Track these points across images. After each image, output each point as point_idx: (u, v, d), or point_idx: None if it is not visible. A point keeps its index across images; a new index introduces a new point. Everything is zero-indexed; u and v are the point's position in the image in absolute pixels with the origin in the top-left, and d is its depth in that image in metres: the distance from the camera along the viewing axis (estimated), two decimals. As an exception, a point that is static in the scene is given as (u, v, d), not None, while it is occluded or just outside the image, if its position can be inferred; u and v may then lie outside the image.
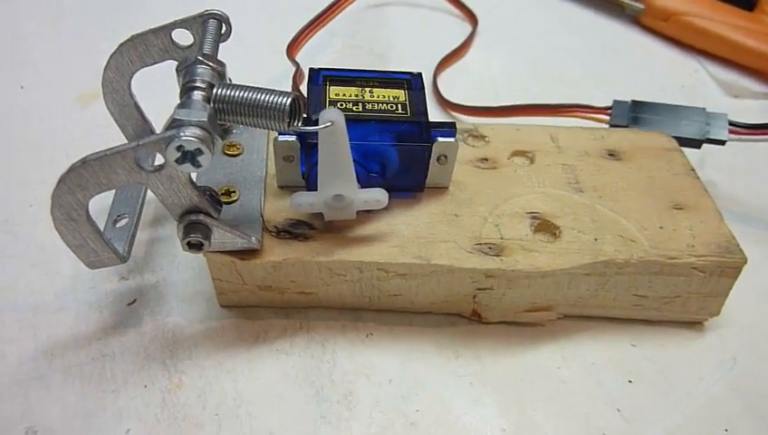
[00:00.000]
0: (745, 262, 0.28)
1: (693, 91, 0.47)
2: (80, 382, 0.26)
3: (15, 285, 0.30)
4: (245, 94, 0.22)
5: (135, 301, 0.29)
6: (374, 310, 0.29)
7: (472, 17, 0.49)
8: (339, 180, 0.25)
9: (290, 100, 0.22)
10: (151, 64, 0.29)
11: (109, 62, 0.28)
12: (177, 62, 0.28)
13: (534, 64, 0.48)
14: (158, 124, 0.32)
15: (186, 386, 0.26)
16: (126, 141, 0.32)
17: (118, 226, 0.28)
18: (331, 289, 0.28)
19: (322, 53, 0.46)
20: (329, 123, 0.22)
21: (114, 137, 0.32)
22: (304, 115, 0.24)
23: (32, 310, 0.29)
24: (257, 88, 0.23)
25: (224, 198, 0.27)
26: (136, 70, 0.29)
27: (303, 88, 0.34)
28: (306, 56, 0.42)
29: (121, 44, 0.28)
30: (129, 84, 0.29)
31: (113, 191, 0.30)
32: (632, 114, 0.37)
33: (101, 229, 0.25)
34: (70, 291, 0.30)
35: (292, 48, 0.36)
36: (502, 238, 0.28)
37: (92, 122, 0.39)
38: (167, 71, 0.29)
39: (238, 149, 0.30)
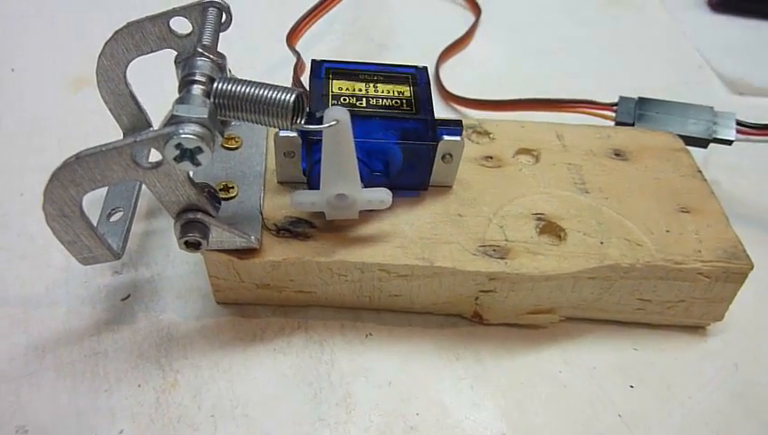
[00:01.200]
0: (752, 268, 0.28)
1: (697, 88, 0.46)
2: (72, 381, 0.26)
3: (5, 277, 0.29)
4: (247, 90, 0.22)
5: (129, 296, 0.29)
6: (374, 309, 0.29)
7: (475, 6, 0.48)
8: (342, 179, 0.24)
9: (294, 97, 0.21)
10: (148, 53, 0.28)
11: (104, 49, 0.27)
12: (174, 51, 0.27)
13: (538, 56, 0.47)
14: (154, 114, 0.31)
15: (181, 386, 0.26)
16: (120, 131, 0.31)
17: (112, 220, 0.27)
18: (331, 289, 0.27)
19: (322, 40, 0.44)
20: (334, 122, 0.22)
21: (108, 124, 0.32)
22: (307, 110, 0.23)
23: (22, 304, 0.28)
24: (259, 83, 0.22)
25: (222, 194, 0.26)
26: (132, 58, 0.28)
27: (304, 79, 0.33)
28: (306, 44, 0.40)
29: (117, 31, 0.27)
30: (125, 73, 0.28)
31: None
32: (638, 111, 0.36)
33: (95, 224, 0.24)
34: (62, 284, 0.29)
35: (293, 36, 0.35)
36: (506, 240, 0.27)
37: (85, 108, 0.38)
38: (164, 59, 0.28)
39: (237, 142, 0.29)
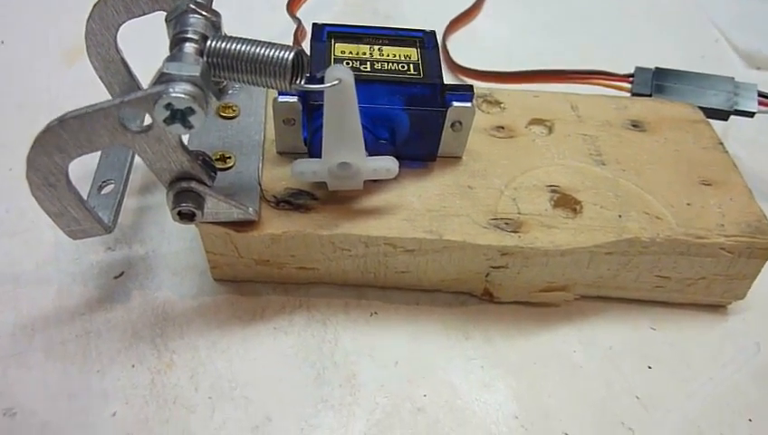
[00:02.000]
0: (777, 243, 0.26)
1: (713, 62, 0.44)
2: (62, 361, 0.24)
3: (-7, 254, 0.28)
4: (243, 48, 0.20)
5: (122, 274, 0.27)
6: (379, 287, 0.28)
7: (484, -23, 0.46)
8: (345, 147, 0.22)
9: (293, 54, 0.20)
10: (139, 15, 0.26)
11: (92, 11, 0.26)
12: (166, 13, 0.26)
13: (549, 29, 0.45)
14: (147, 82, 0.29)
15: (177, 366, 0.25)
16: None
17: (103, 192, 0.26)
18: (334, 264, 0.26)
19: (324, 10, 0.43)
20: (336, 81, 0.20)
21: (102, 97, 0.30)
22: (308, 74, 0.22)
23: (11, 281, 0.27)
24: (256, 41, 0.20)
25: (218, 164, 0.25)
26: (122, 21, 0.26)
27: (305, 45, 0.32)
28: (307, 14, 0.39)
29: (106, -8, 0.25)
30: (115, 37, 0.27)
31: (98, 154, 0.28)
32: (656, 82, 0.34)
33: (85, 197, 0.23)
34: (52, 261, 0.28)
35: (293, 4, 0.34)
36: (519, 213, 0.26)
37: (78, 81, 0.36)
38: (157, 23, 0.26)
39: (234, 110, 0.27)
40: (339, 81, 0.20)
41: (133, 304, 0.26)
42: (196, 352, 0.25)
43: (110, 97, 0.29)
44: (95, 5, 0.26)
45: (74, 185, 0.22)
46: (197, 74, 0.19)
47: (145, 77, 0.29)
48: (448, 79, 0.38)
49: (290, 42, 0.33)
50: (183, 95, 0.18)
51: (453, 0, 0.45)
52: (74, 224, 0.23)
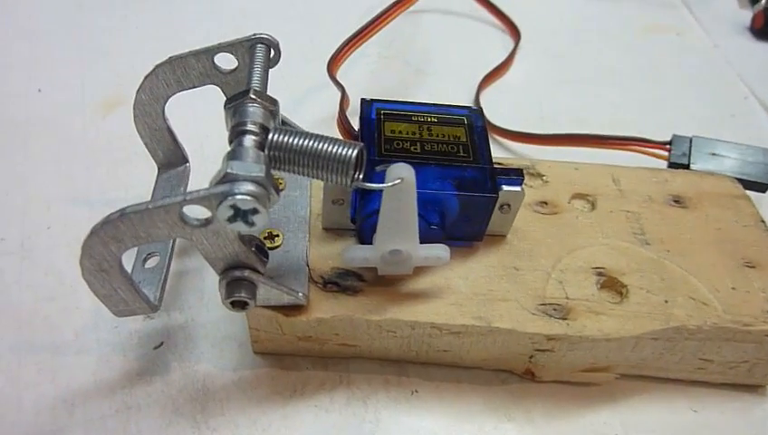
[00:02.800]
0: (821, 329, 0.26)
1: (743, 120, 0.44)
2: (103, 438, 0.24)
3: (33, 320, 0.28)
4: (306, 142, 0.20)
5: (162, 344, 0.27)
6: (419, 363, 0.27)
7: (515, 31, 0.46)
8: (399, 236, 0.22)
9: (356, 152, 0.20)
10: (189, 88, 0.26)
11: (143, 83, 0.26)
12: (216, 87, 0.26)
13: (579, 84, 0.45)
14: (186, 144, 0.29)
15: (218, 446, 0.24)
16: (153, 162, 0.29)
17: (147, 265, 0.26)
18: (377, 343, 0.26)
19: (357, 63, 0.43)
20: (398, 181, 0.20)
21: (138, 151, 0.30)
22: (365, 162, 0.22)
23: (50, 351, 0.27)
24: (318, 136, 0.20)
25: (267, 243, 0.25)
26: (172, 93, 0.26)
27: (349, 114, 0.32)
28: (342, 68, 0.39)
29: (158, 66, 0.25)
30: (164, 108, 0.27)
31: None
32: (693, 151, 0.34)
33: (129, 271, 0.23)
34: (91, 329, 0.27)
35: (333, 65, 0.34)
36: (567, 298, 0.25)
37: (113, 132, 0.36)
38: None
39: (281, 183, 0.27)
40: (401, 180, 0.20)
41: (173, 376, 0.26)
42: (237, 431, 0.25)
43: (147, 152, 0.29)
44: (146, 78, 0.26)
45: (125, 268, 0.22)
46: (262, 175, 0.19)
47: (185, 139, 0.29)
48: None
49: (327, 96, 0.33)
50: (248, 196, 0.18)
51: (483, 53, 0.45)
52: (122, 305, 0.23)
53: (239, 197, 0.18)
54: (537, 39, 0.48)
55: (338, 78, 0.35)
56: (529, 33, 0.47)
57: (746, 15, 0.53)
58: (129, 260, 0.26)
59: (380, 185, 0.20)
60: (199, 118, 0.33)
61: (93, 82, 0.39)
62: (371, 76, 0.43)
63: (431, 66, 0.44)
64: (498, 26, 0.49)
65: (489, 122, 0.38)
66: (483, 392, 0.27)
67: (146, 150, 0.29)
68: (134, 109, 0.27)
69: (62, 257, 0.30)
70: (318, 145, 0.20)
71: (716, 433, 0.27)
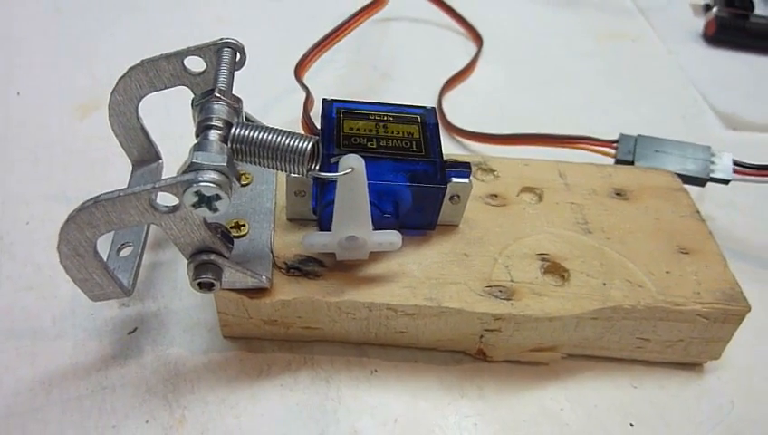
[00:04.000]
0: (749, 310, 0.28)
1: (692, 122, 0.47)
2: (79, 416, 0.26)
3: (12, 308, 0.29)
4: (265, 136, 0.22)
5: (136, 329, 0.29)
6: (378, 344, 0.29)
7: (477, 37, 0.49)
8: (354, 223, 0.24)
9: (311, 145, 0.22)
10: (161, 89, 0.28)
11: (117, 85, 0.28)
12: (186, 87, 0.28)
13: (539, 88, 0.48)
14: (161, 144, 0.31)
15: (188, 422, 0.26)
16: (128, 160, 0.31)
17: (121, 254, 0.27)
18: (338, 325, 0.28)
19: (326, 68, 0.45)
20: (349, 170, 0.22)
21: (114, 152, 0.32)
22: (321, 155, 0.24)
23: (29, 336, 0.28)
24: (276, 130, 0.22)
25: (233, 231, 0.26)
26: (144, 94, 0.28)
27: (313, 114, 0.34)
28: (309, 72, 0.41)
29: (131, 68, 0.27)
30: (137, 108, 0.28)
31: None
32: (638, 149, 0.37)
33: (105, 259, 0.25)
34: (68, 316, 0.29)
35: (300, 69, 0.36)
36: (512, 281, 0.27)
37: (90, 134, 0.38)
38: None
39: (248, 178, 0.29)
40: (351, 169, 0.22)
41: (146, 359, 0.28)
42: (206, 408, 0.27)
43: (123, 152, 0.31)
44: (120, 79, 0.28)
45: (100, 254, 0.24)
46: (224, 164, 0.21)
47: (156, 134, 0.31)
48: (443, 138, 0.41)
49: (295, 101, 0.35)
50: (211, 184, 0.20)
51: (448, 58, 0.48)
52: (97, 289, 0.24)
53: (203, 184, 0.20)
54: (499, 45, 0.50)
55: (307, 82, 0.37)
56: (491, 39, 0.49)
57: (699, 23, 0.56)
58: (104, 250, 0.27)
59: (333, 174, 0.22)
60: (174, 119, 0.34)
61: (71, 86, 0.41)
62: (339, 80, 0.45)
63: (397, 71, 0.47)
64: (462, 33, 0.51)
65: (450, 123, 0.40)
66: (438, 372, 0.29)
67: (121, 150, 0.31)
68: (109, 109, 0.28)
69: (41, 250, 0.31)
70: (276, 138, 0.22)
71: (655, 408, 0.29)
